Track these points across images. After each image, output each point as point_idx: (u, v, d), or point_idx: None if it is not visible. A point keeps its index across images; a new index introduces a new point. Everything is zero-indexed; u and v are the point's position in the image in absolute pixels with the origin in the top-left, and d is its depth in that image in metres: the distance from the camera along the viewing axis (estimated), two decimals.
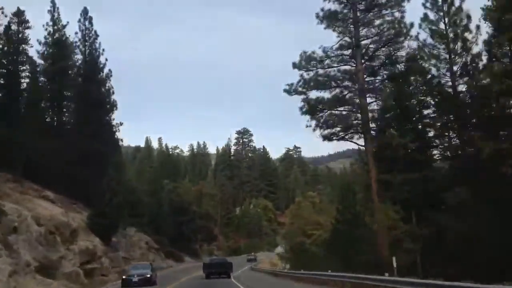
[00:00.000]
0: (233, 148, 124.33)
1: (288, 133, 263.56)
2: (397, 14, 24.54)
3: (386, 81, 26.24)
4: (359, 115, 25.31)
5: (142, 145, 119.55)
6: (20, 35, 34.56)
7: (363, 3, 25.35)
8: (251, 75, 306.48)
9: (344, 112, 25.88)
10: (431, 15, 23.94)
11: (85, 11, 39.85)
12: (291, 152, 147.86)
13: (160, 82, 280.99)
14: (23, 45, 34.98)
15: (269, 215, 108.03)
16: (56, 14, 38.10)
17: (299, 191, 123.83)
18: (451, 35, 23.36)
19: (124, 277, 24.31)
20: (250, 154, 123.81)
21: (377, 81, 26.14)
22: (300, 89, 25.48)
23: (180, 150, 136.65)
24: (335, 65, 25.59)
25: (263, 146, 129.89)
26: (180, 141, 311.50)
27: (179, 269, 45.10)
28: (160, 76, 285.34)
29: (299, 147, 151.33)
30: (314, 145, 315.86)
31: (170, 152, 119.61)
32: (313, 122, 25.65)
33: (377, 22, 25.00)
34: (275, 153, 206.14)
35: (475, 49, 22.20)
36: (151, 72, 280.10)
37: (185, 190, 72.89)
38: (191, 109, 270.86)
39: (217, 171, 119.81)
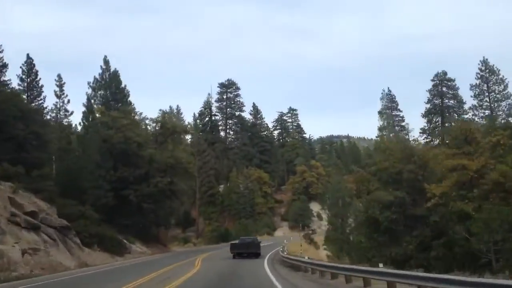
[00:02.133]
0: (215, 105, 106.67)
1: (283, 95, 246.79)
2: None
3: None
4: None
5: None
6: None
7: None
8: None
9: None
10: None
11: None
12: (285, 117, 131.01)
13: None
14: None
15: (265, 190, 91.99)
16: None
17: (300, 160, 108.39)
18: None
19: None
20: (237, 113, 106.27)
21: None
22: None
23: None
24: None
25: (253, 104, 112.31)
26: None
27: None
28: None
29: (295, 110, 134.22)
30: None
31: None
32: None
33: None
34: (268, 117, 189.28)
35: None
36: None
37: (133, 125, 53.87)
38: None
39: (194, 136, 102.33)
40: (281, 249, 39.15)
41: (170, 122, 64.51)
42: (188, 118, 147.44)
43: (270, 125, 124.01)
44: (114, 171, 48.85)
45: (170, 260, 33.65)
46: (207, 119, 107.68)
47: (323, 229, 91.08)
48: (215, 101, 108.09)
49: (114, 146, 49.42)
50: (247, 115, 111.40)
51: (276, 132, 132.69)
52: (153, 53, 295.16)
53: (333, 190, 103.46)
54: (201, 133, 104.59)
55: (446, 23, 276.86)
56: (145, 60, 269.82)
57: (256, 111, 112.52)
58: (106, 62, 58.64)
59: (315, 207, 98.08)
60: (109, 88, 57.06)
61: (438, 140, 70.67)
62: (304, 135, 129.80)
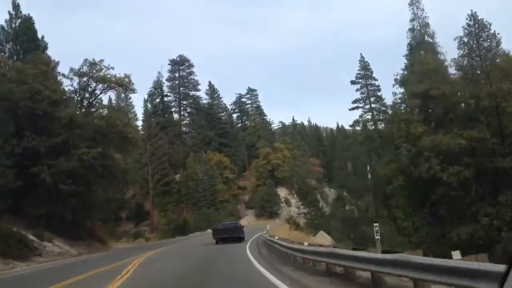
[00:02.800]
0: (166, 85, 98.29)
1: (244, 75, 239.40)
2: None
3: None
4: None
5: None
6: None
7: None
8: None
9: None
10: None
11: None
12: (244, 99, 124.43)
13: None
14: None
15: (226, 175, 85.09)
16: None
17: (262, 143, 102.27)
18: None
19: None
20: (191, 93, 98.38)
21: None
22: None
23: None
24: None
25: (209, 82, 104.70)
26: None
27: None
28: None
29: (254, 90, 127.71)
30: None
31: None
32: None
33: None
34: (226, 99, 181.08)
35: None
36: None
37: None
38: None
39: (146, 118, 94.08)
40: (266, 235, 31.42)
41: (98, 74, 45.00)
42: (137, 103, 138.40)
43: (229, 108, 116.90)
44: (18, 140, 36.65)
45: (95, 263, 24.11)
46: (157, 100, 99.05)
47: (292, 215, 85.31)
48: (166, 80, 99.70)
49: (17, 104, 36.47)
50: (202, 94, 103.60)
51: (235, 116, 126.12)
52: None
53: (301, 172, 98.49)
54: (152, 117, 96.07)
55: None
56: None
57: (212, 91, 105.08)
58: (15, 6, 46.30)
59: (282, 192, 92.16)
60: (19, 39, 44.01)
61: None
62: (265, 117, 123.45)
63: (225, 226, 37.54)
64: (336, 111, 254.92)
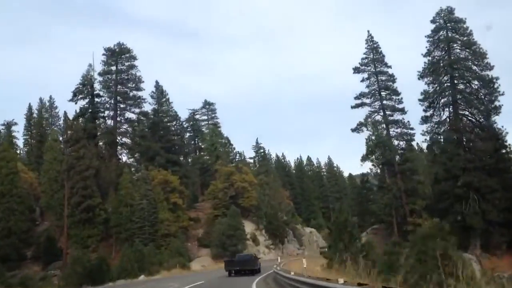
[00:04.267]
0: (99, 80, 79.75)
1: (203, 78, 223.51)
2: None
3: None
4: None
5: None
6: None
7: None
8: None
9: None
10: None
11: None
12: (199, 115, 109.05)
13: None
14: None
15: (174, 200, 66.65)
16: None
17: (221, 160, 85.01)
18: None
19: None
20: (131, 93, 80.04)
21: None
22: None
23: None
24: None
25: (156, 82, 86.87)
26: None
27: None
28: None
29: (212, 104, 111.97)
30: None
31: None
32: None
33: None
34: (181, 108, 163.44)
35: None
36: None
37: None
38: None
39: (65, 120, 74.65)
40: None
41: None
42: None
43: (180, 118, 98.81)
44: None
45: None
46: (87, 100, 79.69)
47: (263, 257, 67.49)
48: (99, 74, 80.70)
49: None
50: (147, 97, 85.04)
51: (187, 135, 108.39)
52: None
53: (271, 202, 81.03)
54: (77, 121, 76.45)
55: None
56: None
57: (160, 93, 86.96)
58: None
59: (247, 227, 74.08)
60: None
61: None
62: (223, 139, 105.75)
63: (239, 257, 38.27)
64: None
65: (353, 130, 61.91)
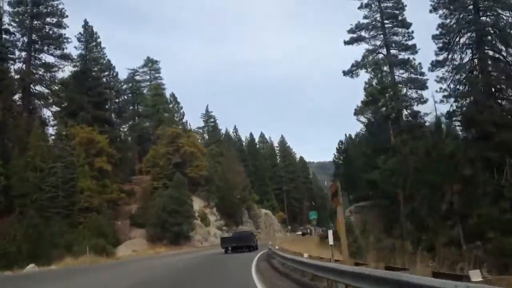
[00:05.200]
0: (8, 11, 61.92)
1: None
2: None
3: None
4: None
5: None
6: None
7: None
8: None
9: None
10: None
11: None
12: (140, 75, 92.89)
13: None
14: None
15: (100, 165, 50.56)
16: None
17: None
18: None
19: None
20: (51, 30, 62.33)
21: None
22: None
23: None
24: None
25: (85, 22, 69.17)
26: None
27: None
28: None
29: (156, 62, 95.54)
30: None
31: None
32: None
33: None
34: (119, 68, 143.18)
35: None
36: None
37: None
38: None
39: None
40: None
41: None
42: None
43: (117, 73, 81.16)
44: None
45: None
46: None
47: (212, 241, 52.89)
48: (9, 3, 62.04)
49: None
50: (72, 38, 66.92)
51: (125, 98, 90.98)
52: None
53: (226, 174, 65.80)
54: None
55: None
56: None
57: (89, 36, 68.94)
58: None
59: (195, 203, 58.74)
60: None
61: None
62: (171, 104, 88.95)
63: (236, 234, 38.27)
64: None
65: (345, 74, 47.11)
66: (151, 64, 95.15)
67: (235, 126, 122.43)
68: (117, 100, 75.21)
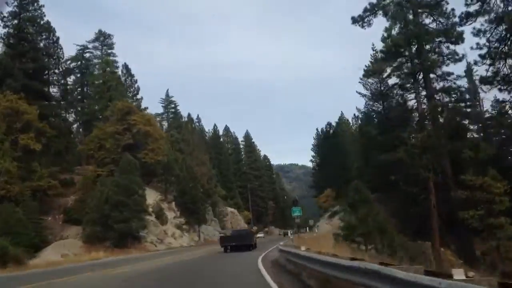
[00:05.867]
0: None
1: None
2: None
3: None
4: None
5: None
6: None
7: None
8: None
9: None
10: None
11: None
12: (90, 51, 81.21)
13: None
14: None
15: (25, 142, 38.12)
16: None
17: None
18: None
19: None
20: None
21: None
22: None
23: None
24: None
25: None
26: None
27: None
28: None
29: (109, 37, 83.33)
30: None
31: None
32: None
33: None
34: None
35: None
36: None
37: None
38: None
39: None
40: None
41: None
42: None
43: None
44: None
45: None
46: None
47: (169, 243, 41.70)
48: None
49: None
50: None
51: (71, 80, 77.88)
52: None
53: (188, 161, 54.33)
54: None
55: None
56: None
57: None
58: None
59: (149, 196, 46.83)
60: None
61: None
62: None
63: (235, 232, 37.06)
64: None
65: (355, 21, 36.52)
66: (103, 38, 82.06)
67: (198, 115, 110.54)
68: (54, 64, 61.84)
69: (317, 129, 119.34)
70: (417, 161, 27.00)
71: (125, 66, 69.78)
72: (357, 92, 46.68)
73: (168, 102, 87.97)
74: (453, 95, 31.61)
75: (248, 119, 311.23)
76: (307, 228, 66.70)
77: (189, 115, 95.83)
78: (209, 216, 59.18)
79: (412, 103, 33.13)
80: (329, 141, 60.31)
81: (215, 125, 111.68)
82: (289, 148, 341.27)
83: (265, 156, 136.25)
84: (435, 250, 26.05)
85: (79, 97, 79.13)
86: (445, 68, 32.61)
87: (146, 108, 54.81)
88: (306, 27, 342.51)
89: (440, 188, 28.44)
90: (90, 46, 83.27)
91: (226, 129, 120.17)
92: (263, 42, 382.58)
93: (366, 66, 42.38)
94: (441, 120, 30.39)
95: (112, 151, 47.46)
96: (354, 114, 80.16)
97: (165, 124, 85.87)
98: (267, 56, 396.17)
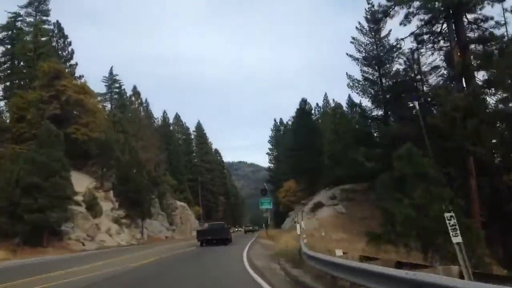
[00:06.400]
0: None
1: None
2: None
3: None
4: None
5: None
6: None
7: None
8: None
9: None
10: None
11: None
12: (21, 20, 69.13)
13: None
14: None
15: None
16: None
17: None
18: None
19: None
20: None
21: None
22: None
23: None
24: None
25: None
26: None
27: None
28: None
29: (44, 2, 71.81)
30: None
31: None
32: None
33: None
34: None
35: None
36: None
37: None
38: None
39: None
40: None
41: None
42: None
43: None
44: None
45: None
46: None
47: (103, 241, 32.30)
48: None
49: None
50: None
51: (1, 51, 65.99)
52: None
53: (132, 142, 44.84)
54: None
55: None
56: None
57: None
58: None
59: (81, 181, 37.08)
60: None
61: None
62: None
63: (211, 226, 36.25)
64: None
65: None
66: (37, 3, 70.66)
67: (146, 99, 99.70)
68: None
69: (274, 120, 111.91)
70: (458, 130, 19.40)
71: (57, 25, 58.90)
72: (347, 55, 39.02)
73: (112, 81, 77.34)
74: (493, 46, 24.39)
75: (197, 114, 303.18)
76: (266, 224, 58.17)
77: (134, 87, 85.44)
78: (155, 210, 49.77)
79: (432, 58, 25.76)
80: (304, 120, 52.26)
81: (164, 111, 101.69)
82: (238, 146, 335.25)
83: (216, 150, 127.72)
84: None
85: (8, 71, 67.77)
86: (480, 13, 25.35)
87: (81, 77, 44.54)
88: (262, 24, 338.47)
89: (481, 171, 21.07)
90: (22, 12, 71.79)
91: (177, 117, 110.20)
92: (215, 38, 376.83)
93: (366, 13, 34.57)
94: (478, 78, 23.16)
95: (34, 123, 37.35)
96: (333, 99, 73.20)
97: (108, 106, 75.53)
98: (218, 54, 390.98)
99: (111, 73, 77.86)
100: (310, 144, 47.82)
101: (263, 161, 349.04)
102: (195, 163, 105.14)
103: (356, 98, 62.26)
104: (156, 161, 49.03)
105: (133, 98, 50.47)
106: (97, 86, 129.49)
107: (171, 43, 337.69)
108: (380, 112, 35.95)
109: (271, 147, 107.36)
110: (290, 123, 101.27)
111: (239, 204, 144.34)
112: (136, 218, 44.08)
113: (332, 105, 79.38)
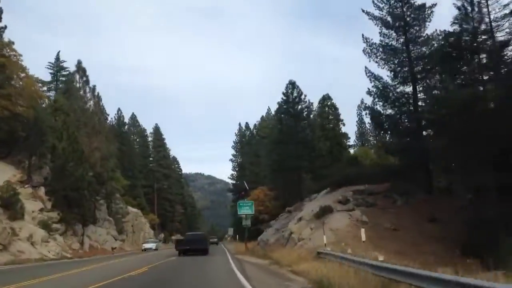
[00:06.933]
0: None
1: None
2: None
3: None
4: None
5: None
6: None
7: None
8: None
9: None
10: None
11: None
12: None
13: None
14: None
15: None
16: None
17: None
18: None
19: None
20: None
21: None
22: None
23: None
24: None
25: None
26: None
27: None
28: None
29: None
30: None
31: None
32: None
33: None
34: None
35: None
36: None
37: None
38: None
39: None
40: None
41: None
42: None
43: None
44: None
45: None
46: None
47: (22, 250, 22.61)
48: None
49: None
50: None
51: None
52: None
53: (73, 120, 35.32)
54: None
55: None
56: None
57: None
58: None
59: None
60: None
61: None
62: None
63: (189, 236, 35.09)
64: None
65: None
66: None
67: (98, 93, 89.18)
68: None
69: (239, 124, 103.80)
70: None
71: None
72: (363, 11, 31.20)
73: (58, 68, 66.97)
74: None
75: (154, 122, 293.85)
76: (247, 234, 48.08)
77: (79, 62, 74.99)
78: (101, 214, 40.04)
79: None
80: (287, 111, 43.69)
81: (119, 109, 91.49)
82: (195, 158, 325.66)
83: (174, 158, 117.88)
84: None
85: None
86: None
87: (12, 43, 34.63)
88: (222, 33, 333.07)
89: None
90: None
91: (133, 117, 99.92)
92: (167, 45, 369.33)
93: None
94: None
95: None
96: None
97: (52, 95, 65.11)
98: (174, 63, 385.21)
99: (57, 59, 67.46)
100: (298, 137, 39.62)
101: (220, 173, 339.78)
102: (151, 168, 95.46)
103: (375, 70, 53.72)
104: (102, 154, 39.08)
105: (76, 76, 40.71)
106: (40, 72, 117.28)
107: (129, 51, 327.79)
108: (408, 89, 28.63)
109: (234, 153, 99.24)
110: (257, 126, 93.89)
111: (196, 215, 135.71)
112: (74, 223, 34.40)
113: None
